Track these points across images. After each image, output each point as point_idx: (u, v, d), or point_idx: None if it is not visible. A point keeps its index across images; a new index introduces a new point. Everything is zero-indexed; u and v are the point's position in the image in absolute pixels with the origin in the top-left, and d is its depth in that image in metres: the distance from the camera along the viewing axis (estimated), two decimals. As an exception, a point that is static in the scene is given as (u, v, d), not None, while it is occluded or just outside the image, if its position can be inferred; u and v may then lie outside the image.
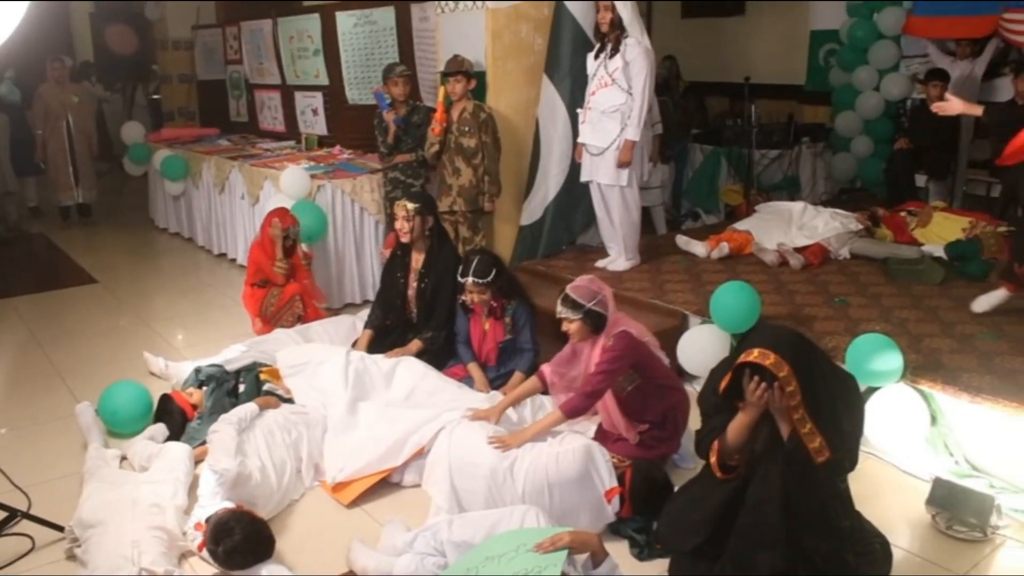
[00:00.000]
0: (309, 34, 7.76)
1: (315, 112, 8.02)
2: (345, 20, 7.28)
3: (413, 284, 4.81)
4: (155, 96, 12.30)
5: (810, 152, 8.04)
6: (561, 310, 3.61)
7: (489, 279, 4.28)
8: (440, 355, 4.68)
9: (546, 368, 3.83)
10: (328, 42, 7.50)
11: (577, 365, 3.74)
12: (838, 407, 2.76)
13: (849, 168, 8.09)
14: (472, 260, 4.34)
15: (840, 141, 8.13)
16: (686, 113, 8.73)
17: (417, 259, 4.80)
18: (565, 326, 3.64)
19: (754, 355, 2.69)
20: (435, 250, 4.76)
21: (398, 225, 4.71)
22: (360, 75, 7.31)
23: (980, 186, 7.18)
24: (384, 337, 4.83)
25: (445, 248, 4.84)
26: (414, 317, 4.83)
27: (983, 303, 4.64)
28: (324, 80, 7.73)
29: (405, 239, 4.73)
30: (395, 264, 4.88)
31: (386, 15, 6.98)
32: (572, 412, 3.56)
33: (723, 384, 2.82)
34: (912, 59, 7.78)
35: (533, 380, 3.86)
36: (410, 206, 4.67)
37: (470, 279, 4.28)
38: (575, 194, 5.70)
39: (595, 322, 3.60)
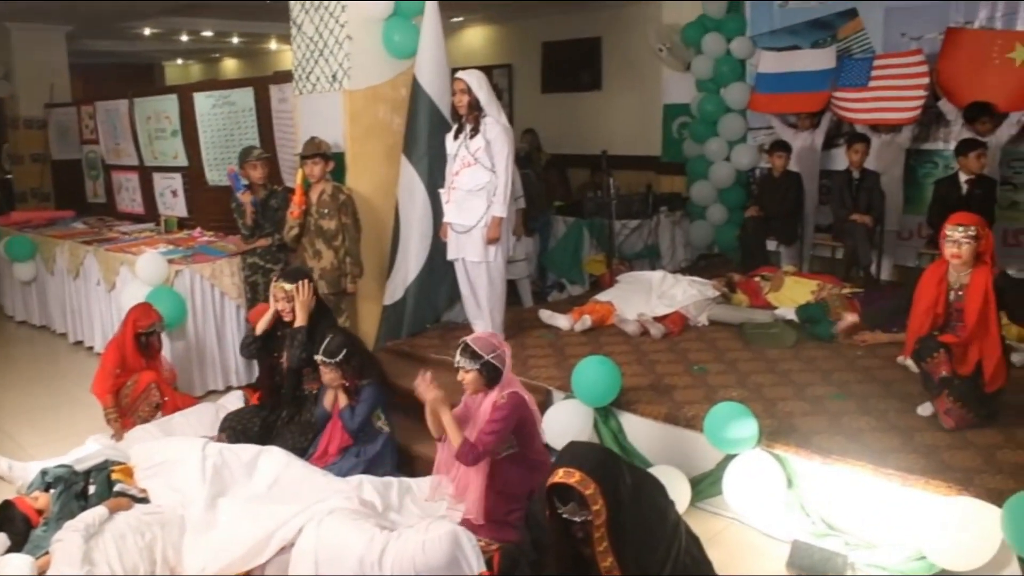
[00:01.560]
0: (167, 115, 7.65)
1: (174, 194, 7.87)
2: (203, 101, 7.21)
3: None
4: (7, 176, 11.79)
5: (668, 221, 8.30)
6: (459, 359, 3.71)
7: (338, 359, 4.31)
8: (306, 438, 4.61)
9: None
10: (186, 123, 7.42)
11: (469, 422, 3.80)
12: (641, 535, 2.72)
13: (706, 235, 8.40)
14: (327, 338, 4.38)
15: (696, 209, 8.45)
16: (549, 185, 8.88)
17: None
18: (461, 375, 3.74)
19: (559, 475, 2.65)
20: (314, 323, 4.68)
21: (280, 307, 4.70)
22: (220, 156, 7.22)
23: (826, 249, 7.56)
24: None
25: (326, 319, 4.79)
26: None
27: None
28: (183, 161, 7.62)
29: (288, 319, 4.71)
30: (271, 344, 4.81)
31: (245, 96, 6.95)
32: (461, 458, 3.63)
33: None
34: (758, 131, 8.21)
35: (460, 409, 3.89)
36: (287, 287, 4.67)
37: (319, 357, 4.33)
38: (437, 273, 5.71)
39: (490, 374, 3.70)
